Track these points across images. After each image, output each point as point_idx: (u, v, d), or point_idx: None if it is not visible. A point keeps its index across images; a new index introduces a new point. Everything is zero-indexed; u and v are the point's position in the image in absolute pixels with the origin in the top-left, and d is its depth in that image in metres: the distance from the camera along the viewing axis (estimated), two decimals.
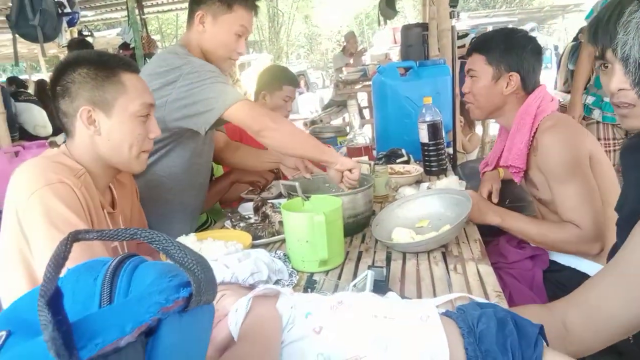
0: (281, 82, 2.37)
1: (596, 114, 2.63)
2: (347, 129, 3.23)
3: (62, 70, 1.14)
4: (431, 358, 0.65)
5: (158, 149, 1.60)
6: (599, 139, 3.03)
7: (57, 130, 4.67)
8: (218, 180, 2.14)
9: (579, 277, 1.42)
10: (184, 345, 0.35)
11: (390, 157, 2.21)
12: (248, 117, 1.48)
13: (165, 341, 0.34)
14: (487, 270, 1.17)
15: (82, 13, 6.27)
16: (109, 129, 1.15)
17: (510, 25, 11.22)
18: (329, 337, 0.68)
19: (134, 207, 1.42)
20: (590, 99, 2.75)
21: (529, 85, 1.56)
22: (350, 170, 1.51)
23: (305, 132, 1.64)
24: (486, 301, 0.99)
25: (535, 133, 1.50)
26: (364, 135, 2.29)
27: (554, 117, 1.50)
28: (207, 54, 1.64)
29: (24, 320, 0.40)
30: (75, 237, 0.35)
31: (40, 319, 0.28)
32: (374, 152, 2.37)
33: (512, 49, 1.54)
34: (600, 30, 0.90)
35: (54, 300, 0.29)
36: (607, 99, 2.64)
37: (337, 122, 6.36)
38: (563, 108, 3.84)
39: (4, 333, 0.38)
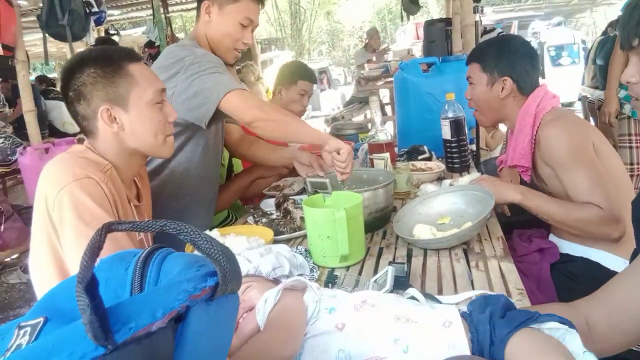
0: (296, 76, 2.39)
1: (627, 109, 2.57)
2: (369, 125, 3.22)
3: (69, 75, 1.15)
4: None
5: None
6: (629, 134, 2.96)
7: None
8: (238, 177, 2.16)
9: (591, 267, 1.42)
10: (210, 331, 0.37)
11: (412, 154, 2.20)
12: (238, 108, 1.48)
13: (194, 327, 0.35)
14: (509, 268, 1.16)
15: (109, 12, 6.40)
16: (130, 123, 1.17)
17: (536, 20, 10.99)
18: (350, 334, 0.70)
19: (149, 203, 1.45)
20: (622, 93, 2.69)
21: (525, 87, 1.59)
22: (338, 152, 1.50)
23: (296, 117, 1.62)
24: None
25: (537, 130, 1.51)
26: (385, 131, 2.29)
27: (555, 112, 1.52)
28: (212, 44, 1.65)
29: (60, 308, 0.42)
30: (108, 228, 0.36)
31: (79, 303, 0.30)
32: (396, 149, 2.36)
33: (503, 55, 1.59)
34: (625, 19, 0.88)
35: (90, 286, 0.31)
36: None
37: (358, 118, 6.35)
38: (591, 104, 3.75)
39: (41, 319, 0.40)
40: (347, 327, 0.71)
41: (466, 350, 0.66)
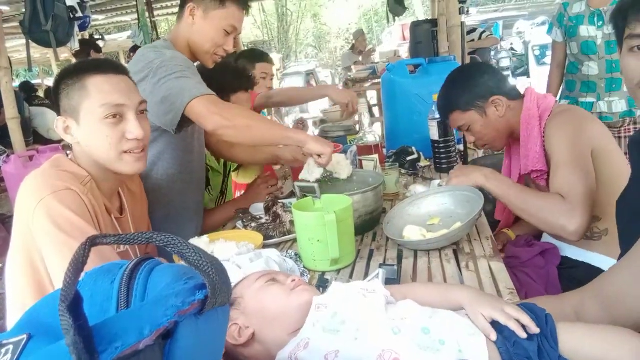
0: (253, 61, 2.58)
1: None
2: (357, 127, 3.22)
3: (55, 86, 1.18)
4: (469, 334, 0.75)
5: (150, 152, 1.59)
6: None
7: None
8: (225, 207, 2.01)
9: (594, 273, 1.40)
10: (200, 346, 0.36)
11: (401, 155, 2.21)
12: (200, 117, 1.41)
13: (183, 343, 0.35)
14: (499, 267, 1.17)
15: (93, 17, 6.32)
16: (82, 136, 1.14)
17: (521, 20, 11.09)
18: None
19: (143, 217, 1.44)
20: (564, 103, 2.74)
21: (511, 93, 1.58)
22: (319, 156, 1.45)
23: (264, 120, 1.57)
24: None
25: (545, 126, 1.49)
26: (373, 133, 2.29)
27: (561, 107, 1.52)
28: (193, 47, 1.62)
29: (44, 323, 0.41)
30: (93, 242, 0.35)
31: (62, 324, 0.29)
32: (384, 150, 2.36)
33: (472, 84, 1.58)
34: None
35: (74, 304, 0.30)
36: (582, 100, 2.61)
37: (346, 120, 6.34)
38: None
39: (24, 336, 0.39)
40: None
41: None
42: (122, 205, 1.31)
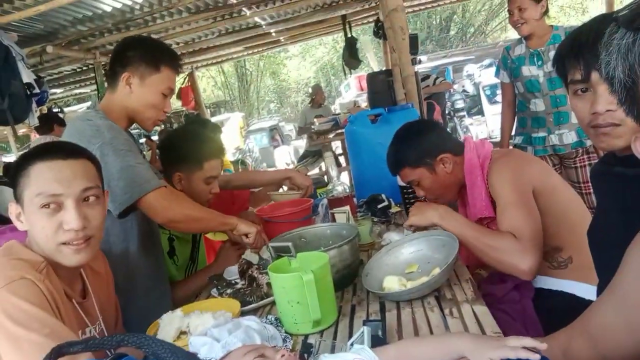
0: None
1: (529, 151, 2.73)
2: (325, 178, 3.25)
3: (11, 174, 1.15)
4: None
5: None
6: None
7: None
8: (197, 275, 1.93)
9: (568, 300, 1.42)
10: None
11: (371, 204, 2.22)
12: (151, 210, 1.49)
13: None
14: (482, 311, 1.16)
15: (52, 91, 6.29)
16: (27, 223, 1.12)
17: (469, 63, 11.73)
18: None
19: (109, 296, 1.37)
20: (519, 139, 2.87)
21: (457, 148, 1.65)
22: (246, 236, 1.63)
23: (204, 209, 1.66)
24: None
25: (488, 173, 1.56)
26: (343, 184, 2.30)
27: (500, 152, 1.60)
28: (133, 115, 1.62)
29: None
30: (58, 352, 0.33)
31: None
32: (355, 200, 2.37)
33: (421, 143, 1.65)
34: (587, 52, 0.91)
35: None
36: (535, 135, 2.72)
37: (314, 172, 6.42)
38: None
39: None
40: None
41: None
42: (85, 288, 1.24)
